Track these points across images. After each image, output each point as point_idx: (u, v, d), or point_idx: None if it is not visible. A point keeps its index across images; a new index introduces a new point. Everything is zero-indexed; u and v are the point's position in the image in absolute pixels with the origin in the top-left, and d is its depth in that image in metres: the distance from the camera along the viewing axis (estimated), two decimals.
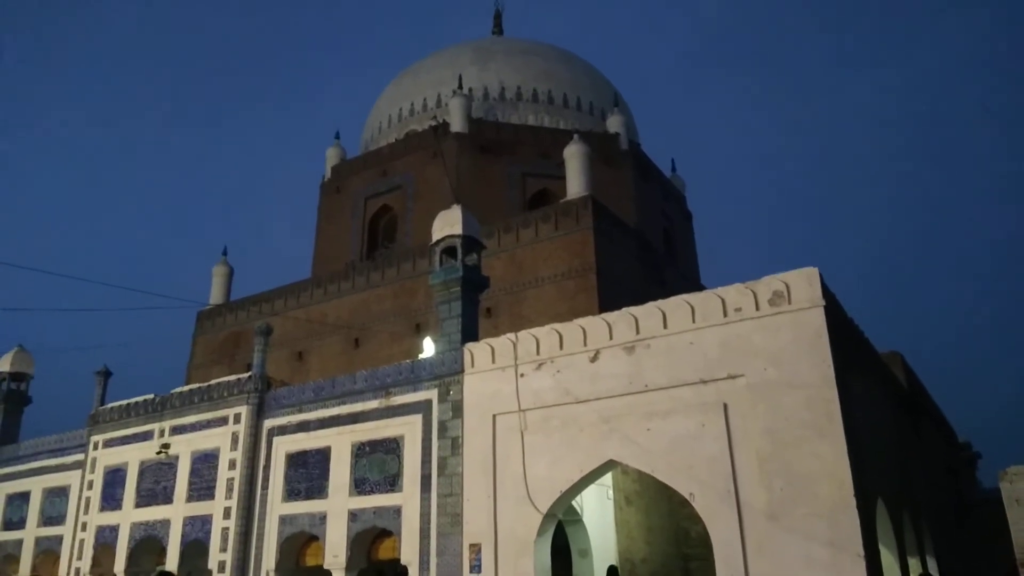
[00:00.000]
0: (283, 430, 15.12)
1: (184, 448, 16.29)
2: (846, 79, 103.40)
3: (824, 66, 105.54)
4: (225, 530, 14.91)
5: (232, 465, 15.34)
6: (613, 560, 14.02)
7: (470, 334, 13.57)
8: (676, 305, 11.21)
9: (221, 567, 14.66)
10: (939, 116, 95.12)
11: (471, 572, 11.79)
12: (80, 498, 17.92)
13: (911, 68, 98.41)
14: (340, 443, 14.16)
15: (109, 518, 17.14)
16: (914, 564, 13.22)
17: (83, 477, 18.05)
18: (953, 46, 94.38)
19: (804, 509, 9.41)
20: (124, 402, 17.89)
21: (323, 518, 13.92)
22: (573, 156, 22.48)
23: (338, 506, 13.78)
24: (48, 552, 18.41)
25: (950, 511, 19.26)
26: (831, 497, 9.28)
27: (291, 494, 14.58)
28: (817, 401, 9.71)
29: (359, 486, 13.70)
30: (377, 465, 13.60)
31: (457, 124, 26.01)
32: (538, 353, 12.24)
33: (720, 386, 10.50)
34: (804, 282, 10.27)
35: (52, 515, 18.69)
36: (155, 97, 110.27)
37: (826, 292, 10.24)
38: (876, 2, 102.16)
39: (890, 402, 14.14)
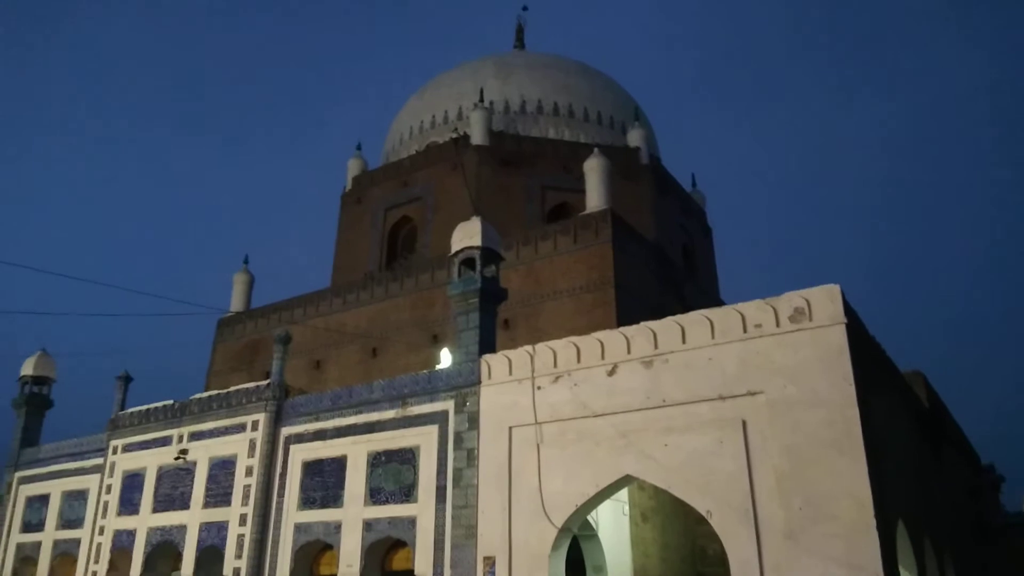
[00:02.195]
0: (300, 438, 15.19)
1: (202, 454, 16.40)
2: (865, 93, 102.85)
3: (844, 83, 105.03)
4: (241, 537, 14.97)
5: (249, 472, 15.42)
6: None
7: (487, 346, 13.58)
8: (695, 320, 11.16)
9: (236, 573, 14.71)
10: (959, 133, 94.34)
11: None
12: (98, 502, 18.08)
13: (933, 84, 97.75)
14: (356, 452, 14.19)
15: (126, 522, 17.26)
16: None
17: (102, 481, 18.21)
18: (970, 64, 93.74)
19: (823, 529, 9.29)
20: (144, 407, 18.05)
21: (338, 527, 13.93)
22: (593, 170, 22.48)
23: (353, 515, 13.79)
24: (65, 555, 18.57)
25: (972, 534, 18.92)
26: (850, 517, 9.15)
27: (306, 502, 14.62)
28: (838, 419, 9.60)
29: (374, 496, 13.71)
30: (392, 475, 13.61)
31: (478, 137, 26.13)
32: (555, 366, 12.22)
33: (739, 402, 10.41)
34: (825, 299, 10.18)
35: (70, 518, 18.86)
36: (180, 107, 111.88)
37: (848, 309, 10.15)
38: (893, 25, 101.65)
39: (911, 422, 13.95)
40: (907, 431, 13.32)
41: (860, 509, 9.13)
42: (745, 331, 10.64)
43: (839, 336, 9.94)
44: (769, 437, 10.01)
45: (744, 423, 10.28)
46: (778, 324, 10.40)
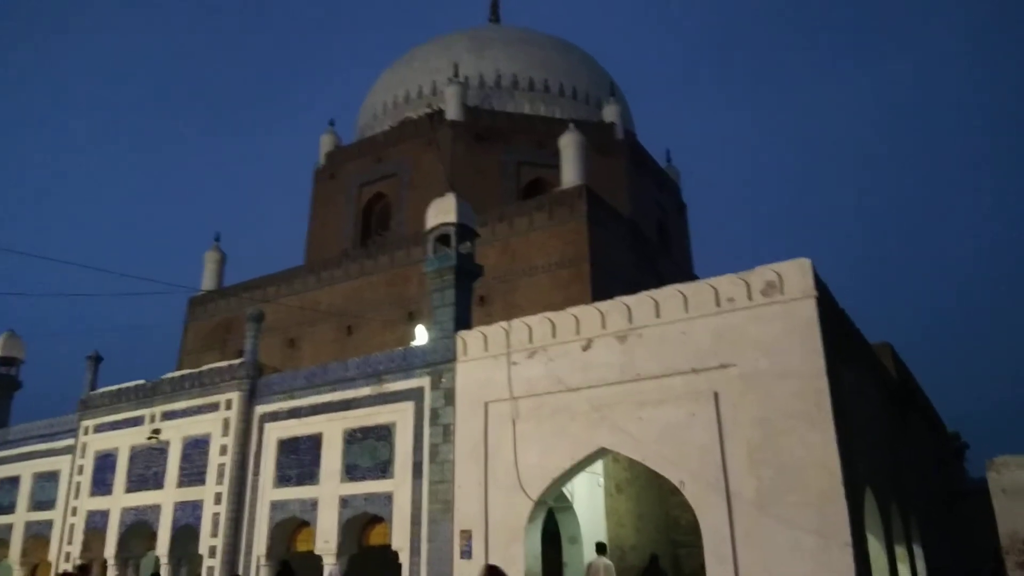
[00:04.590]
0: (274, 416, 15.12)
1: (175, 434, 16.27)
2: (837, 73, 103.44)
3: (817, 59, 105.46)
4: (216, 515, 14.93)
5: (223, 451, 15.33)
6: None
7: (463, 322, 13.57)
8: (669, 295, 11.22)
9: (212, 552, 14.69)
10: (927, 109, 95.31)
11: (461, 558, 11.84)
12: (70, 483, 17.90)
13: (900, 63, 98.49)
14: (332, 429, 14.16)
15: (99, 503, 17.13)
16: (901, 553, 13.33)
17: (73, 462, 18.02)
18: (940, 41, 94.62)
19: (793, 498, 9.46)
20: (115, 387, 17.85)
21: (314, 504, 13.93)
22: (568, 145, 22.41)
23: (329, 492, 13.79)
24: (38, 537, 18.41)
25: (938, 501, 19.42)
26: (820, 486, 9.33)
27: (282, 480, 14.59)
28: (808, 391, 9.75)
29: (350, 472, 13.71)
30: (368, 452, 13.61)
31: (452, 112, 25.89)
32: (531, 341, 12.25)
33: (712, 375, 10.52)
34: (796, 273, 10.29)
35: (42, 500, 18.67)
36: (149, 82, 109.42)
37: (818, 283, 10.27)
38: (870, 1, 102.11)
39: (880, 392, 14.22)
40: (876, 401, 13.58)
41: (829, 478, 9.30)
42: (718, 305, 10.72)
43: (810, 309, 10.06)
44: (741, 409, 10.14)
45: (716, 395, 10.39)
46: (750, 298, 10.49)
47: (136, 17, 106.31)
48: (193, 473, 15.71)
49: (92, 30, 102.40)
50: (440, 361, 13.24)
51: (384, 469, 13.32)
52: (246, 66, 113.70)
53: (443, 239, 14.25)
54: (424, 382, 13.30)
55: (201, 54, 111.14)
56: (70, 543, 17.29)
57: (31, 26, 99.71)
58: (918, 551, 14.75)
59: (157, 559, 15.88)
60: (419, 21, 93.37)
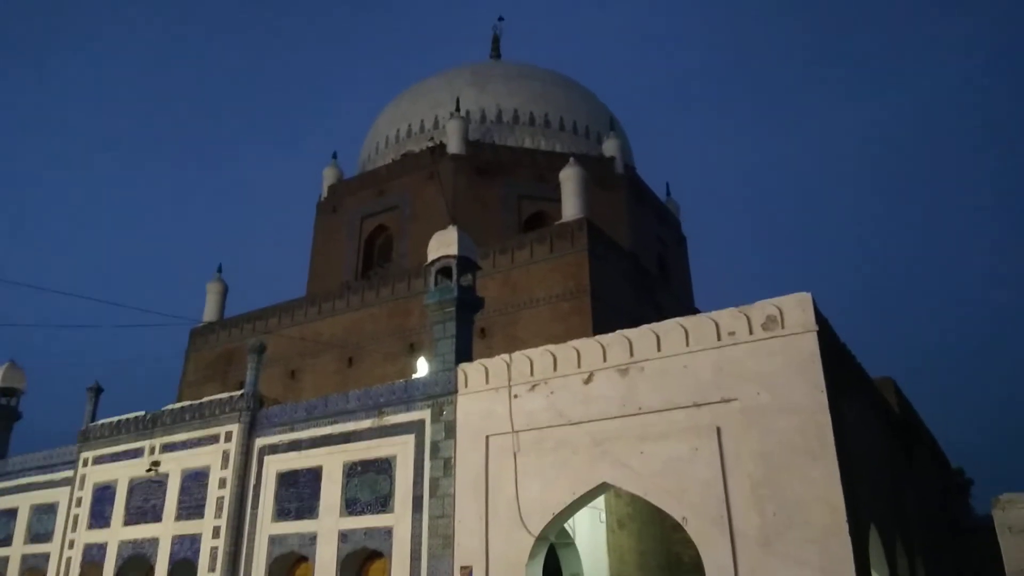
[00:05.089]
0: (274, 449, 15.05)
1: (174, 466, 16.18)
2: (839, 107, 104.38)
3: (817, 94, 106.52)
4: (214, 549, 14.78)
5: (222, 484, 15.23)
6: None
7: (464, 354, 13.57)
8: (670, 328, 11.25)
9: None
10: (927, 141, 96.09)
11: None
12: (68, 515, 17.74)
13: (900, 94, 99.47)
14: (331, 463, 14.08)
15: (97, 536, 16.96)
16: None
17: (72, 494, 17.88)
18: (940, 77, 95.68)
19: (796, 534, 9.39)
20: (115, 419, 17.77)
21: (313, 539, 13.80)
22: (569, 179, 22.60)
23: (328, 527, 13.67)
24: (34, 570, 18.19)
25: (943, 537, 19.20)
26: (823, 523, 9.26)
27: (281, 514, 14.47)
28: (810, 426, 9.73)
29: (350, 506, 13.61)
30: (369, 485, 13.52)
31: (454, 146, 26.16)
32: (532, 374, 12.24)
33: (713, 410, 10.51)
34: (797, 307, 10.32)
35: (39, 532, 18.49)
36: (152, 114, 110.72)
37: (819, 317, 10.30)
38: (867, 31, 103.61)
39: (883, 427, 14.15)
40: (878, 436, 13.52)
41: (833, 514, 9.24)
42: (719, 339, 10.74)
43: (811, 343, 10.07)
44: (743, 444, 10.11)
45: (719, 430, 10.36)
46: (751, 332, 10.51)
47: (138, 42, 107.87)
48: (192, 506, 15.59)
49: (94, 60, 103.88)
50: (441, 393, 13.21)
51: (384, 503, 13.23)
52: (248, 99, 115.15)
53: (444, 271, 14.32)
54: (425, 415, 13.26)
55: (203, 85, 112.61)
56: None
57: (25, 63, 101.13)
58: None
59: None
60: (422, 57, 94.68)
